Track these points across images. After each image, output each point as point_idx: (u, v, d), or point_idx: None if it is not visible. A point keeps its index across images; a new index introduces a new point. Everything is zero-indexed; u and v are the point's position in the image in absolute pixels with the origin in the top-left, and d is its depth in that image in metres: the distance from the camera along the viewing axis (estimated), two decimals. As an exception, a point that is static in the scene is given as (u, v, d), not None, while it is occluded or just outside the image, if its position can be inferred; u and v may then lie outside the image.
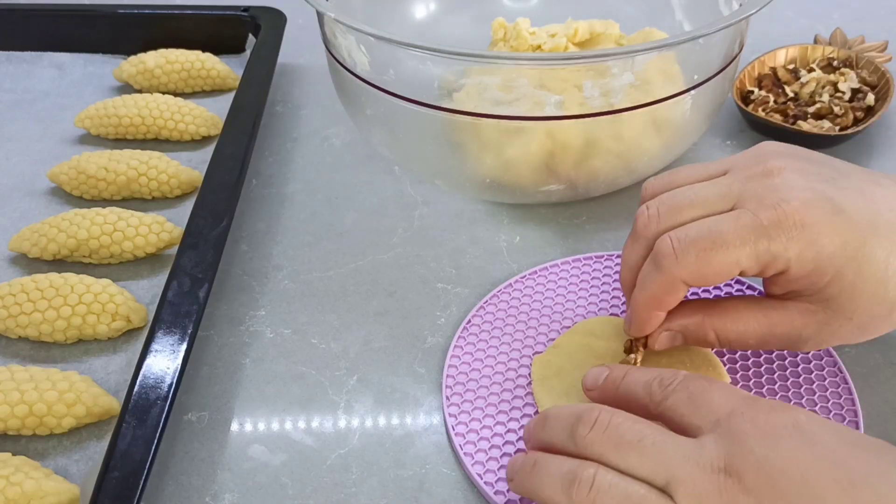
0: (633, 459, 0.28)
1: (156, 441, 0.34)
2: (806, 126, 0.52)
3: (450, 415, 0.37)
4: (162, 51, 0.61)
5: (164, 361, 0.37)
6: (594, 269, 0.44)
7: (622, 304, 0.42)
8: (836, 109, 0.53)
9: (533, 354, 0.40)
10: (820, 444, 0.27)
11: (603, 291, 0.43)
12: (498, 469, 0.35)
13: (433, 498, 0.35)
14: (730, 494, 0.27)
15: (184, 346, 0.38)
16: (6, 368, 0.38)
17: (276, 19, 0.63)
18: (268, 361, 0.41)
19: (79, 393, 0.37)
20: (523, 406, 0.38)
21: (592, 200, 0.50)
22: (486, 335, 0.41)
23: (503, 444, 0.36)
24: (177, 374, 0.37)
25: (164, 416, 0.35)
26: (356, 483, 0.36)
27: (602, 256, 0.45)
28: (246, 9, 0.64)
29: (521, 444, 0.36)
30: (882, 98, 0.54)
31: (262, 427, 0.38)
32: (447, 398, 0.38)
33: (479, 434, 0.37)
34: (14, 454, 0.36)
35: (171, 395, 0.36)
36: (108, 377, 0.40)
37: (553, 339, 0.40)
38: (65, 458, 0.37)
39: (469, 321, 0.42)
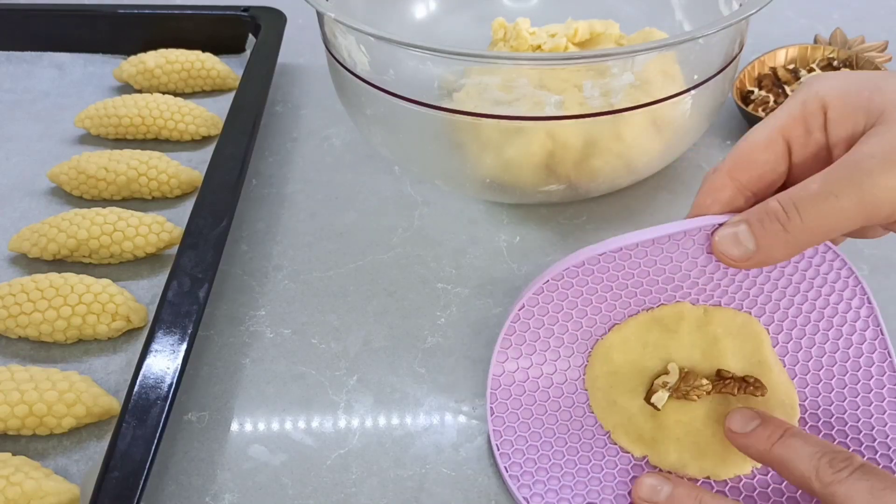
0: None
1: (156, 441, 0.34)
2: (806, 126, 0.52)
3: (494, 430, 0.36)
4: (162, 51, 0.61)
5: (164, 361, 0.37)
6: (642, 259, 0.42)
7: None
8: (836, 109, 0.53)
9: (583, 362, 0.38)
10: None
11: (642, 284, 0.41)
12: (545, 492, 0.34)
13: (433, 498, 0.35)
14: None
15: (184, 346, 0.38)
16: (6, 368, 0.38)
17: (276, 19, 0.63)
18: (268, 361, 0.41)
19: (79, 393, 0.37)
20: (581, 430, 0.36)
21: (592, 200, 0.50)
22: (531, 338, 0.38)
23: (550, 466, 0.35)
24: (177, 374, 0.37)
25: (164, 416, 0.35)
26: (356, 483, 0.36)
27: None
28: (246, 9, 0.64)
29: (569, 466, 0.35)
30: (882, 98, 0.53)
31: (262, 427, 0.38)
32: (492, 409, 0.37)
33: (525, 454, 0.36)
34: (14, 454, 0.36)
35: (171, 395, 0.36)
36: (108, 377, 0.40)
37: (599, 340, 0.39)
38: (65, 458, 0.37)
39: (512, 320, 0.39)
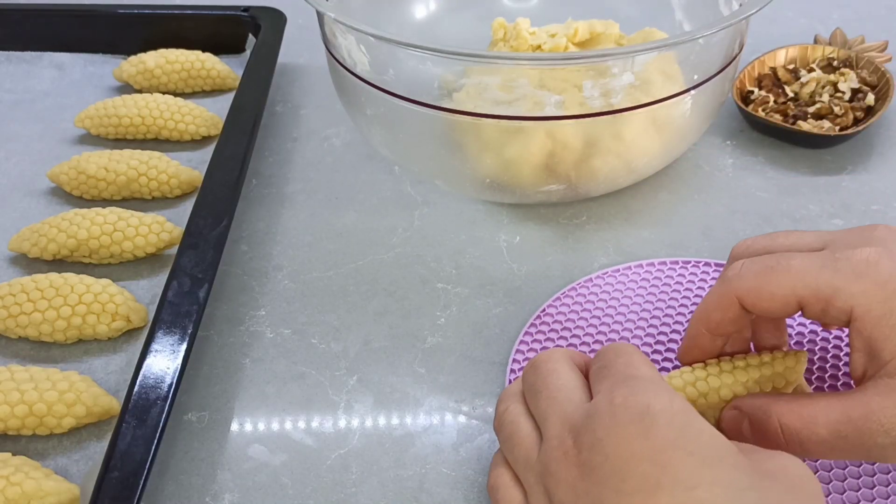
0: (532, 402, 0.31)
1: (156, 441, 0.34)
2: (806, 126, 0.52)
3: None
4: (162, 51, 0.61)
5: (164, 361, 0.37)
6: (648, 276, 0.44)
7: (676, 315, 0.42)
8: (836, 109, 0.53)
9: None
10: (656, 438, 0.27)
11: (660, 300, 0.42)
12: None
13: (433, 498, 0.35)
14: (567, 460, 0.28)
15: (184, 346, 0.38)
16: (6, 368, 0.38)
17: (276, 19, 0.63)
18: (268, 361, 0.41)
19: (79, 393, 0.37)
20: None
21: (592, 200, 0.50)
22: (543, 347, 0.40)
23: None
24: (177, 374, 0.37)
25: (164, 416, 0.35)
26: (356, 483, 0.36)
27: (653, 264, 0.45)
28: (246, 9, 0.64)
29: None
30: (882, 98, 0.54)
31: (262, 427, 0.38)
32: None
33: None
34: (14, 454, 0.36)
35: (171, 395, 0.36)
36: (108, 377, 0.40)
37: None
38: (65, 458, 0.37)
39: (526, 332, 0.41)
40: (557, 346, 0.40)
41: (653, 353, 0.39)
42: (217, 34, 0.64)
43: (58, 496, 0.34)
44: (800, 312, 0.32)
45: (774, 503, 0.26)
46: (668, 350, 0.39)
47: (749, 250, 0.35)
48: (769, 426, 0.31)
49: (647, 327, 0.41)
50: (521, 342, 0.41)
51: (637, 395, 0.28)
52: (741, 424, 0.32)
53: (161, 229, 0.46)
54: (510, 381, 0.39)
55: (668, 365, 0.39)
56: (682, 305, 0.42)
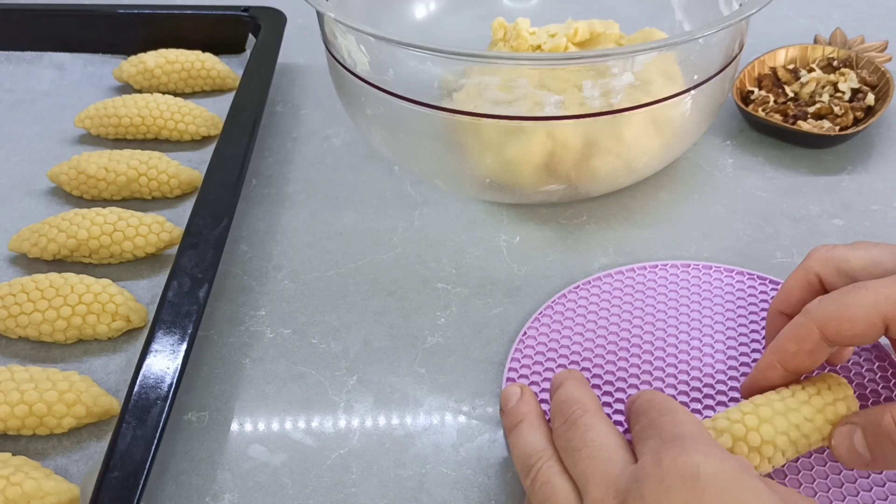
0: (569, 460, 0.30)
1: (156, 441, 0.34)
2: (806, 126, 0.52)
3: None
4: (162, 51, 0.61)
5: (164, 361, 0.37)
6: (648, 279, 0.44)
7: (678, 319, 0.41)
8: (836, 109, 0.53)
9: (593, 367, 0.39)
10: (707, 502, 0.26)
11: (660, 302, 0.42)
12: None
13: (433, 498, 0.35)
14: None
15: (184, 346, 0.38)
16: (6, 368, 0.38)
17: (276, 19, 0.63)
18: (268, 361, 0.41)
19: (79, 393, 0.37)
20: None
21: (592, 200, 0.50)
22: (542, 347, 0.40)
23: None
24: (177, 374, 0.37)
25: (164, 416, 0.35)
26: (356, 483, 0.36)
27: (656, 266, 0.45)
28: (246, 9, 0.64)
29: None
30: (882, 98, 0.54)
31: (262, 427, 0.38)
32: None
33: None
34: (14, 454, 0.36)
35: (171, 395, 0.36)
36: (108, 377, 0.40)
37: (612, 351, 0.40)
38: (65, 458, 0.37)
39: (524, 333, 0.41)
40: (559, 345, 0.40)
41: (654, 358, 0.39)
42: (217, 34, 0.64)
43: (58, 496, 0.34)
44: (884, 334, 0.31)
45: None
46: (668, 355, 0.39)
47: (830, 261, 0.34)
48: (882, 423, 0.30)
49: (646, 331, 0.41)
50: (521, 342, 0.41)
51: (686, 456, 0.27)
52: (852, 438, 0.31)
53: (161, 229, 0.46)
54: (507, 381, 0.39)
55: (669, 370, 0.39)
56: (682, 308, 0.42)
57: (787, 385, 0.33)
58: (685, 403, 0.37)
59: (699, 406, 0.37)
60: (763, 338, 0.40)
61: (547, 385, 0.38)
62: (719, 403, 0.37)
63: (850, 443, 0.31)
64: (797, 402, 0.32)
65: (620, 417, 0.36)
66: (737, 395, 0.37)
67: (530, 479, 0.31)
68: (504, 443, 0.37)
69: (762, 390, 0.33)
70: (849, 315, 0.30)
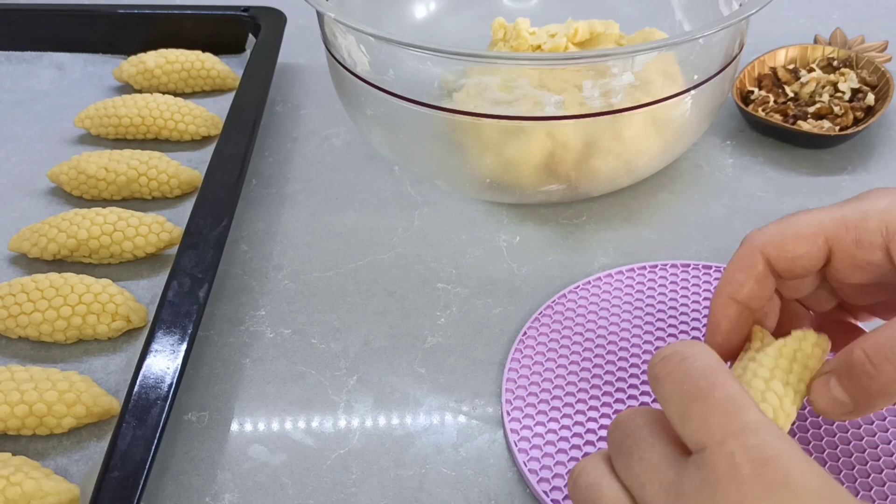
0: (621, 464, 0.27)
1: (156, 441, 0.34)
2: (806, 126, 0.52)
3: (511, 430, 0.37)
4: (162, 51, 0.61)
5: (164, 361, 0.37)
6: (648, 279, 0.44)
7: (677, 319, 0.41)
8: (836, 109, 0.53)
9: (593, 367, 0.39)
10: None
11: (660, 302, 0.42)
12: (564, 486, 0.34)
13: (433, 498, 0.35)
14: None
15: (184, 346, 0.38)
16: (6, 368, 0.38)
17: (276, 19, 0.63)
18: (268, 361, 0.41)
19: (79, 393, 0.37)
20: (586, 421, 0.37)
21: (592, 200, 0.50)
22: (542, 347, 0.40)
23: (568, 461, 0.35)
24: (177, 374, 0.37)
25: (164, 416, 0.35)
26: (356, 483, 0.36)
27: (656, 266, 0.45)
28: (246, 9, 0.64)
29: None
30: (882, 98, 0.54)
31: (262, 427, 0.38)
32: (507, 413, 0.37)
33: (542, 450, 0.36)
34: (14, 454, 0.36)
35: (171, 395, 0.36)
36: (108, 377, 0.40)
37: (612, 351, 0.40)
38: (65, 458, 0.37)
39: (524, 333, 0.41)
40: (559, 345, 0.40)
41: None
42: (217, 34, 0.64)
43: (58, 496, 0.34)
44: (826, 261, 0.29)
45: None
46: None
47: (772, 237, 0.32)
48: (853, 358, 0.28)
49: (646, 331, 0.41)
50: (521, 342, 0.41)
51: (766, 459, 0.23)
52: (829, 387, 0.29)
53: (161, 229, 0.46)
54: (508, 381, 0.39)
55: None
56: (682, 308, 0.42)
57: (747, 324, 0.32)
58: None
59: None
60: None
61: (547, 385, 0.38)
62: None
63: (829, 393, 0.29)
64: (772, 355, 0.30)
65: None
66: None
67: (573, 484, 0.28)
68: (504, 443, 0.37)
69: (724, 331, 0.31)
70: (791, 234, 0.29)
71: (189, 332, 0.38)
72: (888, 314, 0.33)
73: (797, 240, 0.29)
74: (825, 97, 0.54)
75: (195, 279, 0.41)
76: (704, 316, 0.41)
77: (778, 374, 0.29)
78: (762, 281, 0.31)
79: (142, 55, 0.60)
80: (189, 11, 0.64)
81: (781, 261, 0.30)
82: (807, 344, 0.30)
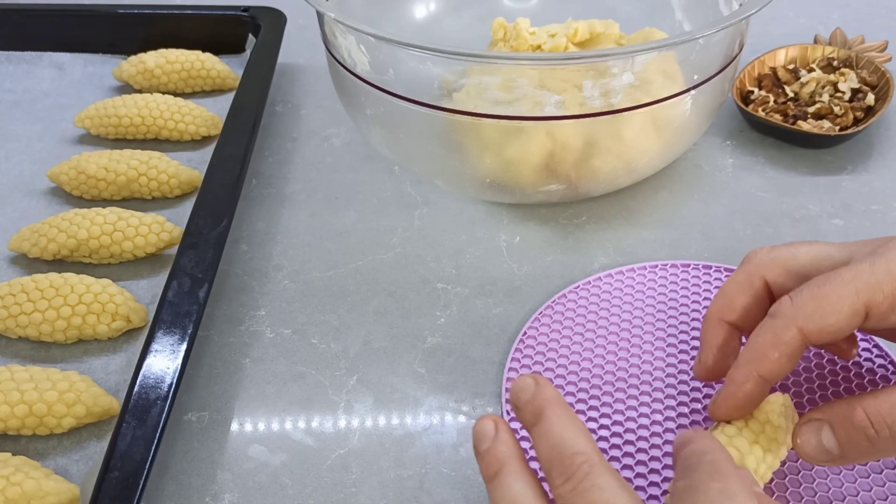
0: None
1: (156, 441, 0.34)
2: (806, 126, 0.52)
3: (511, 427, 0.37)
4: (162, 51, 0.61)
5: (164, 361, 0.37)
6: (649, 279, 0.44)
7: (677, 319, 0.41)
8: (836, 109, 0.53)
9: (593, 367, 0.39)
10: None
11: (660, 302, 0.42)
12: None
13: (433, 498, 0.35)
14: None
15: (184, 346, 0.38)
16: (6, 368, 0.38)
17: (276, 19, 0.63)
18: (268, 361, 0.41)
19: (79, 393, 0.37)
20: (586, 421, 0.37)
21: (592, 200, 0.50)
22: (542, 347, 0.40)
23: None
24: (177, 374, 0.37)
25: (164, 416, 0.35)
26: (356, 483, 0.36)
27: (656, 266, 0.45)
28: (246, 9, 0.64)
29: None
30: (882, 98, 0.54)
31: (262, 427, 0.38)
32: (507, 413, 0.38)
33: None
34: (14, 454, 0.36)
35: (171, 395, 0.36)
36: (108, 377, 0.40)
37: (612, 351, 0.40)
38: (65, 458, 0.37)
39: (524, 333, 0.41)
40: (559, 345, 0.40)
41: (654, 359, 0.39)
42: (217, 34, 0.64)
43: (58, 496, 0.34)
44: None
45: None
46: (668, 355, 0.39)
47: (775, 262, 0.32)
48: (855, 418, 0.28)
49: (646, 331, 0.41)
50: (521, 342, 0.41)
51: None
52: (819, 435, 0.29)
53: (161, 229, 0.46)
54: (508, 381, 0.39)
55: (669, 370, 0.39)
56: (682, 308, 0.42)
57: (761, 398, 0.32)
58: (685, 404, 0.37)
59: (699, 406, 0.37)
60: None
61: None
62: None
63: (818, 440, 0.29)
64: (749, 438, 0.31)
65: (620, 422, 0.36)
66: None
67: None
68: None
69: (738, 406, 0.31)
70: (831, 308, 0.28)
71: (189, 332, 0.39)
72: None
73: (838, 313, 0.28)
74: (825, 97, 0.54)
75: (195, 279, 0.41)
76: (704, 316, 0.41)
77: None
78: (793, 357, 0.30)
79: (142, 55, 0.60)
80: (189, 11, 0.64)
81: (821, 334, 0.29)
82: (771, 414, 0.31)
